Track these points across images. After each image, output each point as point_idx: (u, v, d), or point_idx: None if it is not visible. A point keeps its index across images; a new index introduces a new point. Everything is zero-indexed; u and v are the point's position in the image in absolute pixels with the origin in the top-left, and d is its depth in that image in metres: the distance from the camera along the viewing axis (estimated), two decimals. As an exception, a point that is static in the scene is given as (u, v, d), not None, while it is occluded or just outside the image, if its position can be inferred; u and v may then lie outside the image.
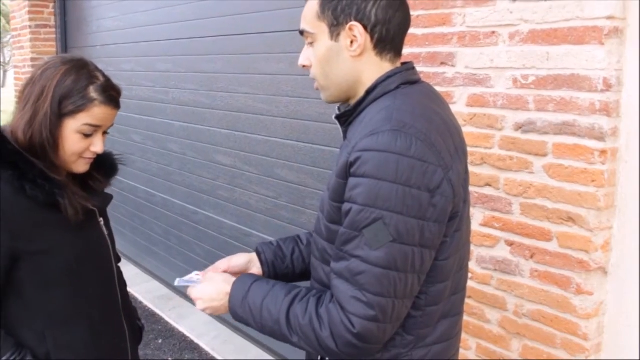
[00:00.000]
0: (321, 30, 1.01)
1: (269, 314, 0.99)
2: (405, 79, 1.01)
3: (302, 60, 1.07)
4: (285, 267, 1.24)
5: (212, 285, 1.10)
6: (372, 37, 0.99)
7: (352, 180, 0.91)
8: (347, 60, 1.00)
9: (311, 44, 1.04)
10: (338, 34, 0.99)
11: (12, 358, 1.14)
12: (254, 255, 1.25)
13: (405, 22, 1.02)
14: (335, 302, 0.93)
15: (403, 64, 1.05)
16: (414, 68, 1.05)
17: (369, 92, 1.00)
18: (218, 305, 1.08)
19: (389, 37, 1.00)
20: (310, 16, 1.02)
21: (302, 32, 1.05)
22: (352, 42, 0.99)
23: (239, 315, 1.04)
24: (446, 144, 0.94)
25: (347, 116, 1.03)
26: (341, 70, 1.01)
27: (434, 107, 1.00)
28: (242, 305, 1.03)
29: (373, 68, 1.01)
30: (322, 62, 1.02)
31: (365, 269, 0.89)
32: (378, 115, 0.94)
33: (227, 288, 1.07)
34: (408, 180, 0.87)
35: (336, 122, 1.06)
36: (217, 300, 1.08)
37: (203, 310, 1.11)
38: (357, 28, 0.98)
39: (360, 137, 0.92)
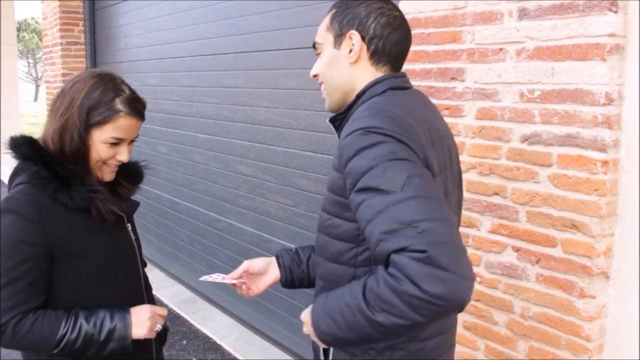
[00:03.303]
0: (328, 40, 1.11)
1: (349, 309, 0.89)
2: (393, 84, 1.06)
3: (313, 70, 1.15)
4: (301, 272, 1.29)
5: (308, 308, 1.05)
6: (368, 47, 1.07)
7: (347, 166, 0.93)
8: (346, 67, 1.08)
9: (319, 54, 1.13)
10: (340, 43, 1.09)
11: (67, 326, 1.17)
12: (273, 259, 1.30)
13: (402, 41, 1.09)
14: (395, 253, 0.83)
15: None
16: (404, 76, 1.11)
17: (359, 96, 1.07)
18: (309, 326, 1.01)
19: (385, 50, 1.07)
20: (321, 29, 1.13)
21: (314, 45, 1.15)
22: (350, 50, 1.08)
23: (324, 331, 0.95)
24: (422, 129, 0.98)
25: (340, 119, 1.10)
26: (340, 75, 1.09)
27: (418, 107, 1.04)
28: (325, 320, 0.94)
29: (368, 76, 1.08)
30: (325, 67, 1.11)
31: (400, 208, 0.84)
32: (361, 109, 1.01)
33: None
34: (391, 139, 0.91)
35: (331, 125, 1.13)
36: (308, 322, 1.01)
37: (306, 333, 1.05)
38: (355, 36, 1.07)
39: (346, 128, 0.99)
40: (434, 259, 0.79)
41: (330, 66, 1.10)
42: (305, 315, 1.05)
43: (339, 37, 1.09)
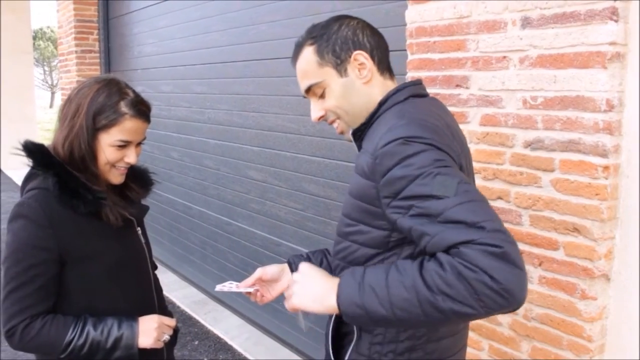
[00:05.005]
0: (328, 74, 1.06)
1: (400, 284, 0.86)
2: (413, 92, 1.07)
3: (315, 113, 1.09)
4: None
5: (315, 280, 0.98)
6: (374, 60, 1.08)
7: (388, 176, 0.92)
8: (361, 88, 1.06)
9: (322, 95, 1.08)
10: (345, 69, 1.06)
11: (75, 332, 1.19)
12: (285, 266, 1.30)
13: (385, 44, 1.12)
14: (462, 245, 0.82)
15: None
16: (421, 83, 1.11)
17: (381, 104, 1.05)
18: (320, 304, 0.95)
19: (382, 58, 1.09)
20: (311, 70, 1.07)
21: (307, 91, 1.08)
22: (359, 70, 1.06)
23: (357, 303, 0.89)
24: (450, 137, 1.00)
25: (362, 130, 1.07)
26: (359, 99, 1.07)
27: (441, 114, 1.05)
28: (360, 291, 0.89)
29: (381, 88, 1.08)
30: (341, 100, 1.06)
31: (459, 210, 0.85)
32: (391, 118, 1.00)
33: (332, 281, 0.95)
34: (433, 148, 0.92)
35: (351, 138, 1.11)
36: (319, 298, 0.95)
37: (292, 305, 0.99)
38: (362, 55, 1.06)
39: (380, 137, 0.95)
40: (509, 255, 0.81)
41: (346, 96, 1.06)
42: (309, 288, 0.96)
43: (340, 65, 1.05)
